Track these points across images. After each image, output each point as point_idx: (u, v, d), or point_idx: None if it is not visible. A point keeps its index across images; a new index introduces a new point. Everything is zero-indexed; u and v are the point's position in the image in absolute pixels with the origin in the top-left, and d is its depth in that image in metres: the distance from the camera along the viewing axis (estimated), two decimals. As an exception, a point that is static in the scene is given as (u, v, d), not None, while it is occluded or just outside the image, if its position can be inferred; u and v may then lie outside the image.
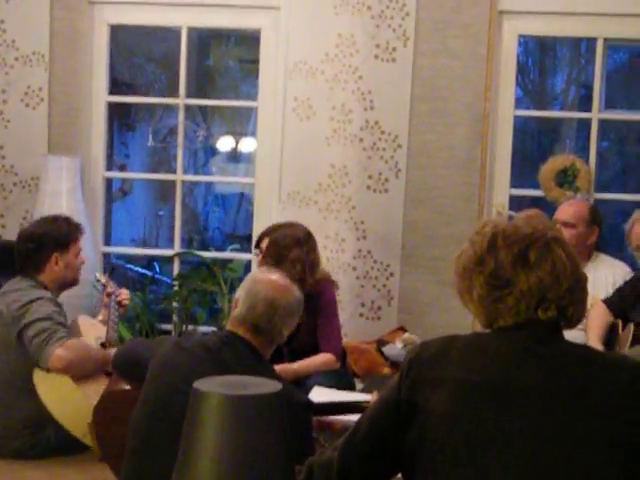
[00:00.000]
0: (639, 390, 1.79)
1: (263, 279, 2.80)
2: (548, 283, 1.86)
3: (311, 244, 4.03)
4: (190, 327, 5.12)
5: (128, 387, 3.16)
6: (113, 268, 4.41)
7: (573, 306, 1.90)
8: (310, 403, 2.73)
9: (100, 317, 4.08)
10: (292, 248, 3.92)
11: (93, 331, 3.91)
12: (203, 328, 5.17)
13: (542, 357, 1.84)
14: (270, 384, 1.72)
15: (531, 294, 1.86)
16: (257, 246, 4.07)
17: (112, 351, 3.68)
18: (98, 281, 4.31)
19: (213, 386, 1.67)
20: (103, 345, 3.84)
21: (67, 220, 4.00)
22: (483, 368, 1.84)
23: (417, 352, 1.92)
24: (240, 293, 2.78)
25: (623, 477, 1.74)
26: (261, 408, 1.65)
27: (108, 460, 3.17)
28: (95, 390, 3.49)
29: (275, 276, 2.84)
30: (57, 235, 3.90)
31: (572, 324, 1.93)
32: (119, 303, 4.06)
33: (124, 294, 4.11)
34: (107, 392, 3.32)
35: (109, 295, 4.09)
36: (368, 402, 2.99)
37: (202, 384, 1.68)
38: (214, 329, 4.99)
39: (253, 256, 4.15)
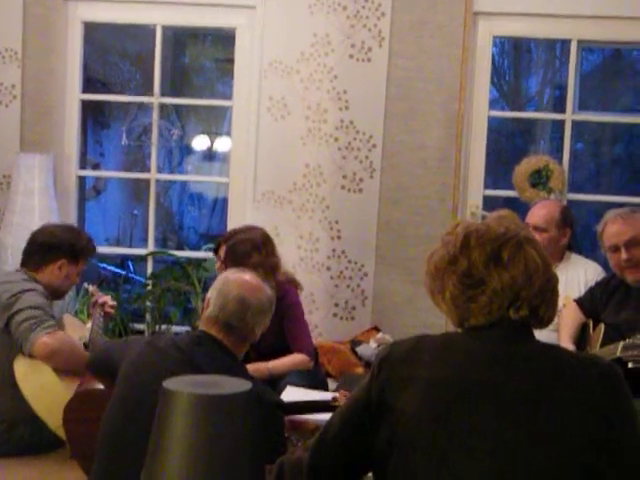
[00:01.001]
0: (608, 387, 1.80)
1: (234, 279, 2.80)
2: (520, 282, 1.87)
3: (269, 247, 4.02)
4: (163, 327, 5.10)
5: (100, 387, 3.14)
6: (102, 281, 4.41)
7: (545, 306, 1.92)
8: (281, 403, 2.72)
9: (89, 325, 4.07)
10: (251, 254, 3.90)
11: (77, 331, 3.90)
12: (177, 328, 5.15)
13: (513, 356, 1.85)
14: (239, 383, 1.71)
15: (504, 293, 1.87)
16: (216, 253, 4.06)
17: None
18: (87, 291, 4.31)
19: (182, 385, 1.66)
20: (85, 346, 3.82)
21: (89, 239, 4.04)
22: (454, 367, 1.84)
23: (388, 352, 1.93)
24: (212, 293, 2.79)
25: (592, 471, 1.75)
26: (230, 407, 1.64)
27: (79, 459, 3.15)
28: (75, 385, 3.48)
29: (247, 276, 2.84)
30: (74, 245, 3.93)
31: (543, 324, 1.94)
32: (104, 312, 4.06)
33: (109, 302, 4.09)
34: (78, 392, 3.30)
35: (95, 304, 4.09)
36: (337, 400, 2.99)
37: (171, 383, 1.67)
38: (188, 329, 4.98)
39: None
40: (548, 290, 1.92)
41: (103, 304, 4.05)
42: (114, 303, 4.15)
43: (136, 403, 2.54)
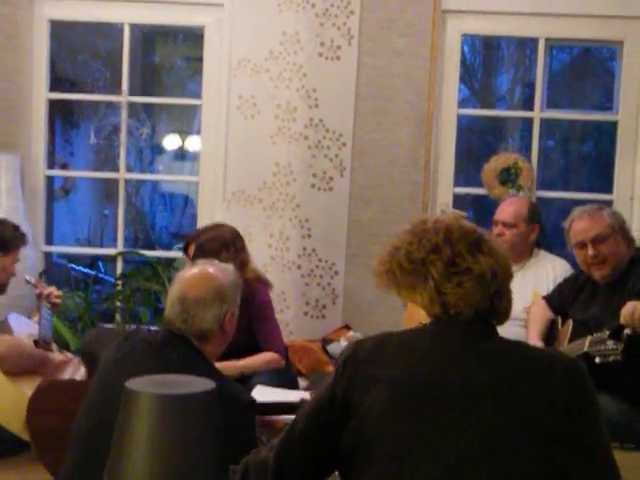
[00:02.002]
0: (573, 381, 1.82)
1: (180, 277, 2.76)
2: (499, 271, 1.92)
3: (239, 244, 4.00)
4: (133, 327, 5.06)
5: (66, 378, 3.12)
6: (47, 269, 4.27)
7: (508, 301, 1.95)
8: (254, 402, 2.70)
9: (35, 318, 4.01)
10: (220, 252, 3.86)
11: (25, 329, 3.84)
12: (148, 327, 5.12)
13: (477, 354, 1.86)
14: (203, 382, 1.70)
15: (488, 279, 1.90)
16: (185, 251, 4.01)
17: (50, 353, 3.64)
18: (28, 282, 4.17)
19: (144, 385, 1.65)
20: (36, 343, 3.76)
21: (15, 227, 3.96)
22: (419, 367, 1.85)
23: (352, 351, 1.93)
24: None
25: (557, 467, 1.76)
26: (192, 407, 1.63)
27: (42, 456, 3.12)
28: (29, 386, 3.43)
29: (194, 270, 2.79)
30: (1, 237, 3.84)
31: (503, 319, 1.96)
32: (50, 302, 3.97)
33: (54, 292, 4.01)
34: (43, 383, 3.27)
35: (39, 295, 4.00)
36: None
37: (134, 383, 1.66)
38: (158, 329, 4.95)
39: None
40: (509, 284, 1.95)
41: (49, 295, 3.97)
42: (59, 293, 4.06)
43: (110, 403, 2.49)
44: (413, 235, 1.98)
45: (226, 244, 3.92)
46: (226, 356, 3.87)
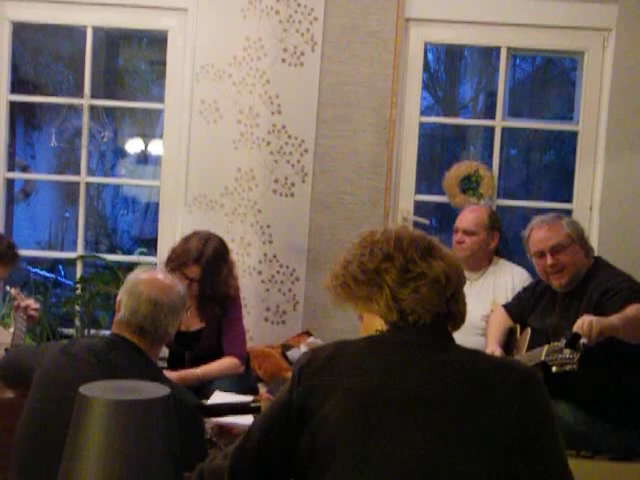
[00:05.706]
0: (528, 390, 1.83)
1: (144, 279, 2.72)
2: (451, 276, 1.93)
3: (227, 250, 4.06)
4: (92, 331, 5.03)
5: (11, 395, 3.07)
6: (26, 283, 4.28)
7: (462, 304, 1.97)
8: (200, 405, 2.69)
9: (12, 329, 3.98)
10: (222, 267, 3.94)
11: (0, 337, 3.82)
12: (106, 332, 5.07)
13: (434, 363, 1.86)
14: (157, 388, 1.69)
15: (442, 284, 1.92)
16: (179, 270, 3.89)
17: None
18: (8, 294, 4.19)
19: (98, 391, 1.64)
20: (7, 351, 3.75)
21: (10, 244, 4.02)
22: (374, 376, 1.85)
23: (308, 359, 1.93)
24: (122, 295, 2.70)
25: (510, 474, 1.77)
26: (148, 413, 1.62)
27: None
28: None
29: (156, 275, 2.78)
30: None
31: (459, 322, 1.98)
32: (28, 315, 3.96)
33: (32, 305, 3.99)
34: None
35: (17, 307, 3.99)
36: (257, 401, 2.97)
37: (87, 389, 1.64)
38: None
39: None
40: (462, 287, 1.98)
41: (26, 307, 3.96)
42: (37, 306, 4.05)
43: (53, 412, 2.46)
44: (363, 247, 2.00)
45: (224, 257, 3.97)
46: (194, 360, 3.89)
